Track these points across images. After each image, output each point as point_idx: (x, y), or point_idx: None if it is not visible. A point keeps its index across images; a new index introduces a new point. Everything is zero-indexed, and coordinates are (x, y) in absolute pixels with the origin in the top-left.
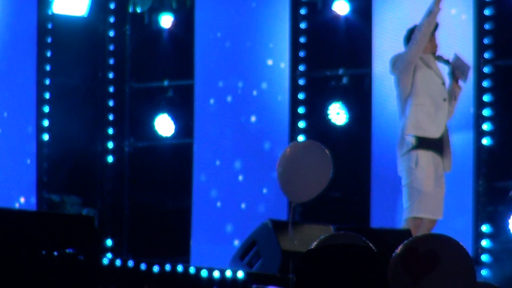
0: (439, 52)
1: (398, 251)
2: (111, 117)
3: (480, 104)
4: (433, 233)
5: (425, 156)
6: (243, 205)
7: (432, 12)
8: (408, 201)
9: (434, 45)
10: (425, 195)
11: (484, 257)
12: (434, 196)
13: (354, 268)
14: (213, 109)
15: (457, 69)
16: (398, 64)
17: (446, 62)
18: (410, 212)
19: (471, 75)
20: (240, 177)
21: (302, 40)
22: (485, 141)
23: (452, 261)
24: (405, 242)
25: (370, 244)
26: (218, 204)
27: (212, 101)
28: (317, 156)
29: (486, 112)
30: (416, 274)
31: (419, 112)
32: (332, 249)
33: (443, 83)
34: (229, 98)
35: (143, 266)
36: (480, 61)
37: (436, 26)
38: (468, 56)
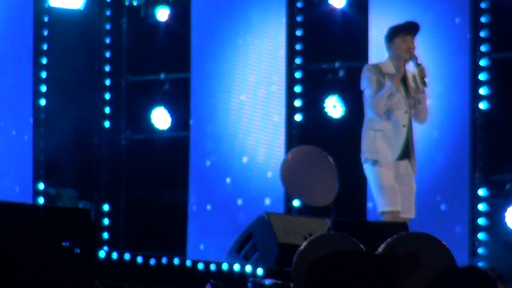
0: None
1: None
2: (107, 110)
3: (476, 97)
4: (410, 233)
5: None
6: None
7: (391, 95)
8: (375, 197)
9: (408, 44)
10: (386, 188)
11: (481, 250)
12: (396, 191)
13: (362, 275)
14: (211, 101)
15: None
16: (364, 84)
17: (417, 65)
18: (378, 208)
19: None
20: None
21: (298, 33)
22: (482, 134)
23: (432, 258)
24: (382, 247)
25: (360, 244)
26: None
27: (208, 94)
28: (325, 171)
29: (482, 105)
30: (399, 278)
31: (378, 137)
32: (338, 257)
33: (406, 112)
34: (226, 90)
35: (139, 259)
36: (476, 54)
37: (417, 29)
38: (464, 49)
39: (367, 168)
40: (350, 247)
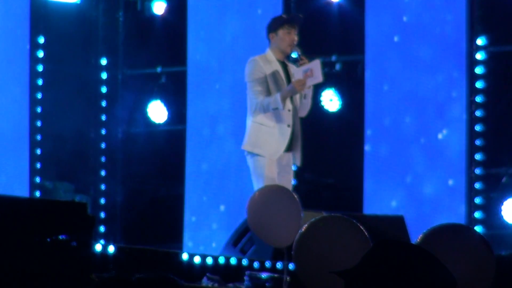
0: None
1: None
2: (104, 103)
3: (473, 91)
4: (448, 224)
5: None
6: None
7: (277, 109)
8: (254, 185)
9: (292, 38)
10: (267, 179)
11: None
12: (276, 182)
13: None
14: (207, 95)
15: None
16: (249, 77)
17: (300, 58)
18: None
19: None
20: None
21: None
22: (478, 127)
23: (470, 250)
24: (420, 237)
25: (361, 227)
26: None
27: (205, 87)
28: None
29: (479, 98)
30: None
31: (262, 132)
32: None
33: (290, 110)
34: (222, 85)
35: (136, 253)
36: (472, 47)
37: (301, 22)
38: (460, 41)
39: (249, 159)
40: (350, 229)
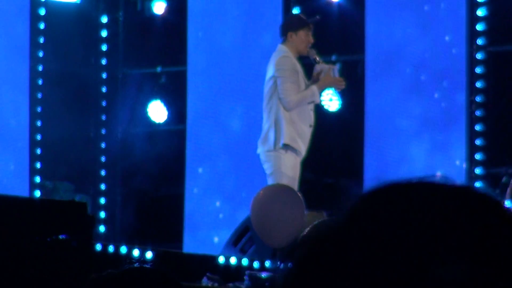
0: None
1: None
2: (104, 103)
3: (473, 91)
4: None
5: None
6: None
7: (313, 102)
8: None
9: (310, 39)
10: (291, 180)
11: None
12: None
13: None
14: (206, 95)
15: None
16: (284, 73)
17: (317, 60)
18: None
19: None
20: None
21: None
22: (478, 127)
23: None
24: None
25: None
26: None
27: (205, 87)
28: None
29: (479, 98)
30: None
31: (298, 127)
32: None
33: (311, 109)
34: (222, 86)
35: (136, 253)
36: (473, 48)
37: (317, 21)
38: (460, 42)
39: (276, 156)
40: None
